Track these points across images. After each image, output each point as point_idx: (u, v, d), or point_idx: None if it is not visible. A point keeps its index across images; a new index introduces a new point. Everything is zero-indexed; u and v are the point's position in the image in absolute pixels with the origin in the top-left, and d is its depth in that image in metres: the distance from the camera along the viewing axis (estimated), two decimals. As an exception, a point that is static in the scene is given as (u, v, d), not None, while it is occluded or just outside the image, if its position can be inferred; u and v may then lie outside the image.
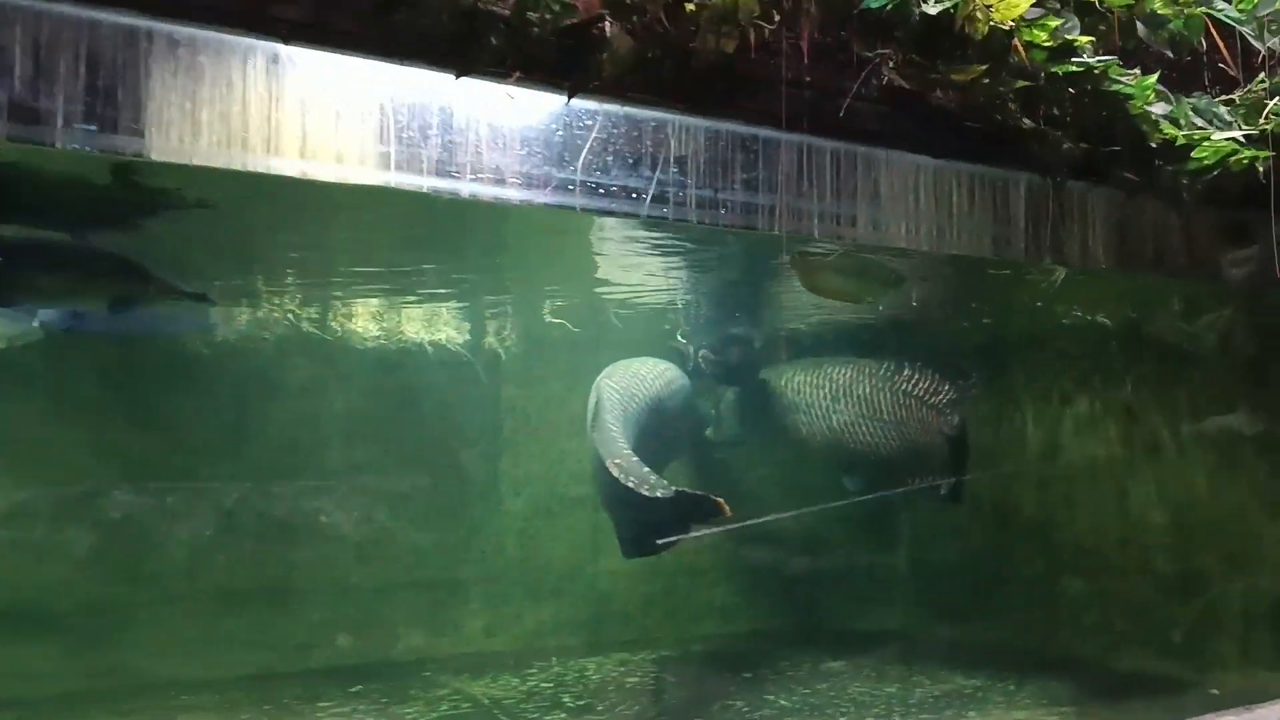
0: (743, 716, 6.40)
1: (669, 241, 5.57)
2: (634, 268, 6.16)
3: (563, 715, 6.56)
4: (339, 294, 7.06)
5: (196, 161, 3.41)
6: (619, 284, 6.61)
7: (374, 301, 7.26)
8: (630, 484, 5.91)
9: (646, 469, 6.03)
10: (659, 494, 5.83)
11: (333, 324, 7.41)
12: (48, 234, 5.69)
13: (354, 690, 7.14)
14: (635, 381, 6.96)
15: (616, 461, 6.06)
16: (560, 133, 3.95)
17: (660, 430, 6.91)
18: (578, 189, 3.98)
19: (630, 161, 4.05)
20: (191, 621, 7.35)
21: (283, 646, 7.59)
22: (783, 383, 7.92)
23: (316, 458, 7.80)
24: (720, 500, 5.92)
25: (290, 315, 7.26)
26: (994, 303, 7.58)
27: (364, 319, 7.45)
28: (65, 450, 7.02)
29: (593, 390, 6.84)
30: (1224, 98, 5.16)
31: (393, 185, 3.70)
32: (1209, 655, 6.95)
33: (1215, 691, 6.34)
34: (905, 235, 4.82)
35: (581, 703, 6.84)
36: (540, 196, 3.94)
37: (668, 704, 6.83)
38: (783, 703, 6.69)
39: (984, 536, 8.57)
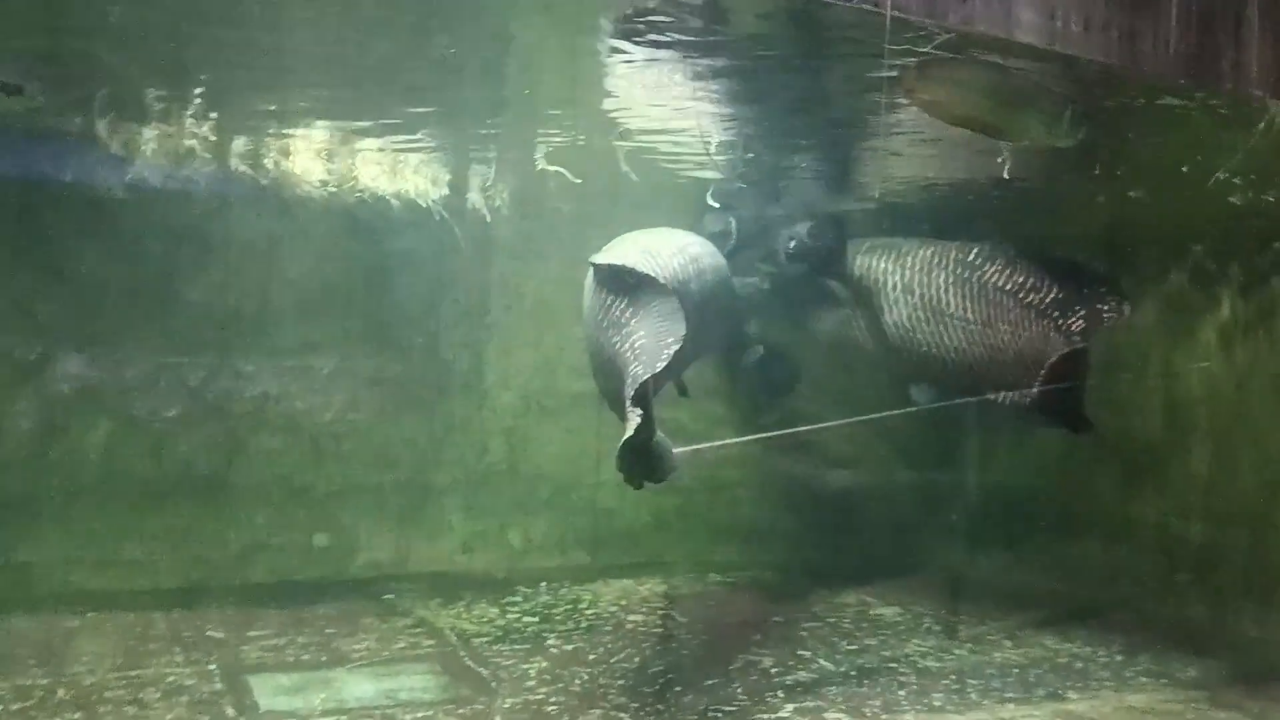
0: (771, 681, 5.07)
1: (707, 49, 4.01)
2: (658, 94, 4.61)
3: (543, 664, 5.25)
4: (274, 124, 5.53)
5: None
6: (638, 118, 5.01)
7: (319, 135, 5.71)
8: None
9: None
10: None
11: (269, 164, 5.89)
12: None
13: (296, 614, 5.89)
14: (646, 259, 5.19)
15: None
16: None
17: (691, 308, 5.22)
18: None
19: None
20: (107, 522, 6.09)
21: (216, 556, 6.37)
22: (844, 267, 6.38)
23: (262, 331, 6.41)
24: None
25: (212, 149, 5.74)
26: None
27: (307, 159, 5.91)
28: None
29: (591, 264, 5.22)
30: None
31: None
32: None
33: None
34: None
35: (569, 647, 5.53)
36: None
37: (675, 656, 5.49)
38: (823, 663, 5.35)
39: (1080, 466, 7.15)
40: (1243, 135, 4.88)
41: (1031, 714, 4.65)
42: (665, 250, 5.17)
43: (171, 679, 4.87)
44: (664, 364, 4.40)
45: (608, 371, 4.81)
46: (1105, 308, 5.54)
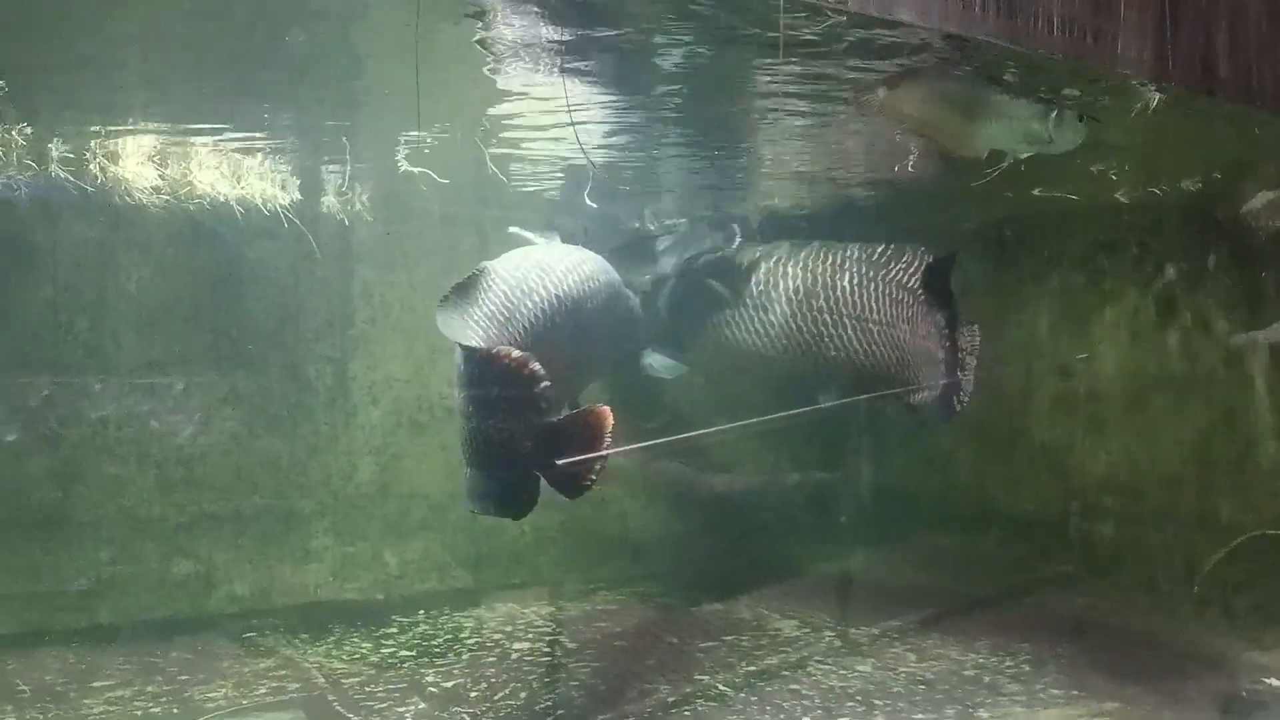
0: (669, 711, 4.76)
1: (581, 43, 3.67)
2: (532, 90, 4.23)
3: (421, 705, 4.84)
4: (101, 125, 4.95)
5: None
6: (512, 116, 4.62)
7: (151, 137, 5.14)
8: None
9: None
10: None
11: (96, 169, 5.30)
12: None
13: (146, 659, 5.35)
14: (534, 276, 4.77)
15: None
16: None
17: (572, 345, 4.84)
18: None
19: None
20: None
21: (54, 597, 5.73)
22: (735, 274, 6.14)
23: (100, 350, 5.82)
24: (599, 408, 4.11)
25: (29, 154, 5.12)
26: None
27: (139, 163, 5.34)
28: None
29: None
30: None
31: None
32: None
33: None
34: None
35: (450, 684, 5.12)
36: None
37: (565, 688, 5.13)
38: (722, 689, 5.06)
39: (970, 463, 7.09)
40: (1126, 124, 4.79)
41: (942, 736, 4.46)
42: (558, 268, 4.85)
43: (-5, 747, 4.33)
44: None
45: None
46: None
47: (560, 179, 5.87)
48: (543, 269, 4.78)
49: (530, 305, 4.57)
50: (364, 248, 6.35)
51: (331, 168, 5.69)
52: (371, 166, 5.61)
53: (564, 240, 5.56)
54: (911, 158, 5.04)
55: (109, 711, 4.76)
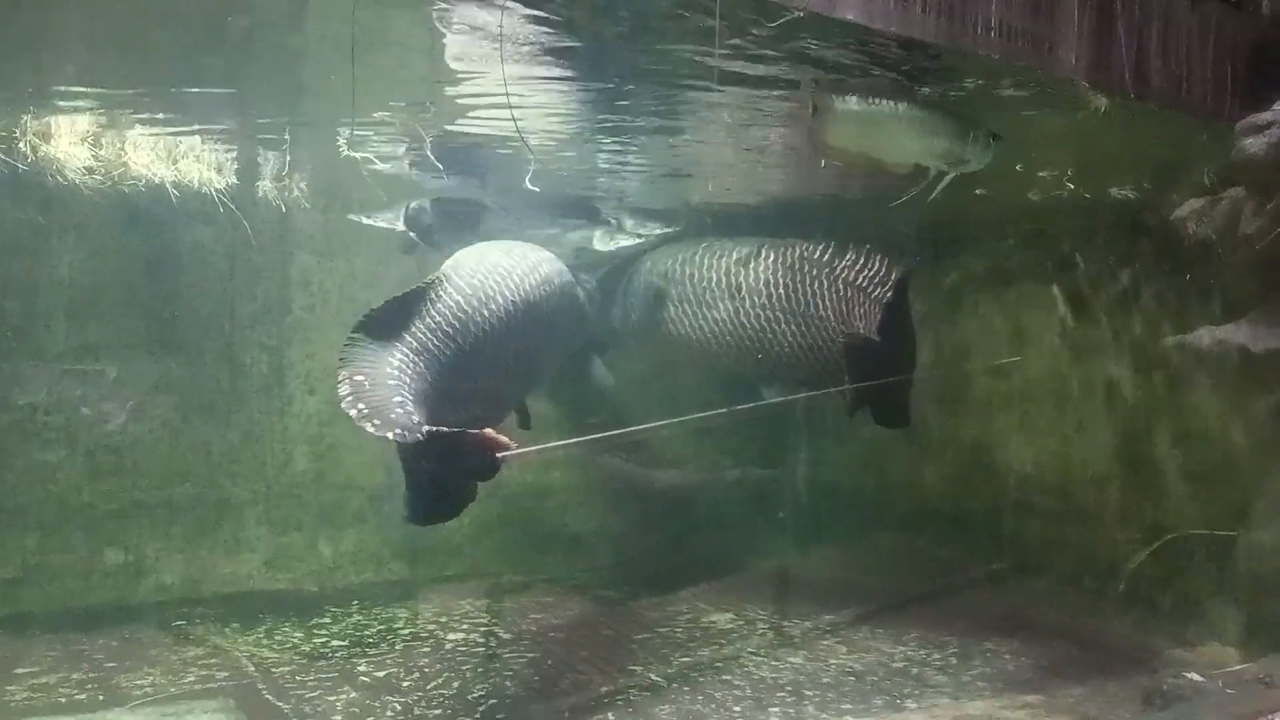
0: (600, 700, 4.77)
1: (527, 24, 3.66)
2: (475, 72, 4.21)
3: (352, 694, 4.81)
4: (30, 104, 4.83)
5: None
6: (464, 96, 4.56)
7: (83, 117, 5.03)
8: (367, 426, 3.77)
9: (397, 401, 3.91)
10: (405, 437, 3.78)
11: (26, 149, 5.17)
12: None
13: (72, 647, 5.26)
14: (492, 281, 4.66)
15: (348, 390, 3.91)
16: None
17: (526, 349, 4.79)
18: None
19: None
20: None
21: (-22, 585, 5.60)
22: (671, 269, 6.16)
23: (29, 335, 5.70)
24: (488, 433, 4.07)
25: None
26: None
27: (71, 143, 5.22)
28: None
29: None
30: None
31: None
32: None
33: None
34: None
35: (381, 673, 5.09)
36: None
37: (498, 678, 5.12)
38: (654, 678, 5.07)
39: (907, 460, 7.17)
40: (1066, 126, 4.88)
41: (868, 727, 4.52)
42: (517, 270, 4.83)
43: (-91, 736, 4.22)
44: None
45: None
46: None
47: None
48: (501, 273, 4.74)
49: (488, 313, 4.51)
50: (302, 234, 6.28)
51: (269, 152, 5.61)
52: (310, 152, 5.55)
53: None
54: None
55: (32, 699, 4.68)
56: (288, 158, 5.63)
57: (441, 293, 4.39)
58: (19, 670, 4.97)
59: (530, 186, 5.06)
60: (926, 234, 6.87)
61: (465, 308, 4.40)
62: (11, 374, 5.72)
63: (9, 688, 4.77)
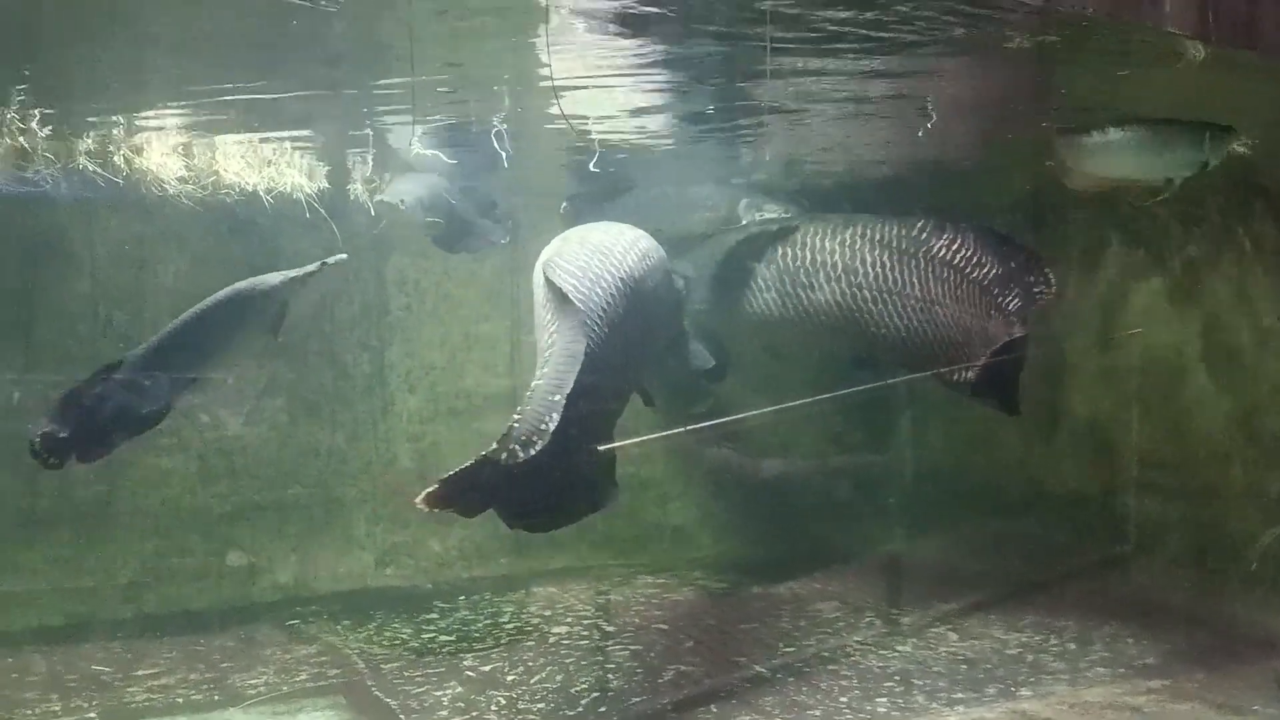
0: (704, 692, 4.71)
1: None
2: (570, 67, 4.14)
3: (458, 689, 4.85)
4: (123, 117, 4.97)
5: None
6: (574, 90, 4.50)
7: (175, 128, 5.16)
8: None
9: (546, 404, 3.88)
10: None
11: (122, 162, 5.32)
12: None
13: (190, 647, 5.43)
14: (597, 260, 4.58)
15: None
16: None
17: (634, 332, 4.81)
18: None
19: None
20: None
21: (102, 588, 5.85)
22: (769, 250, 6.04)
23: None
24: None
25: (55, 149, 5.16)
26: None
27: (166, 155, 5.36)
28: None
29: (537, 271, 4.68)
30: None
31: None
32: None
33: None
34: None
35: (487, 667, 5.13)
36: None
37: (601, 671, 5.11)
38: (759, 669, 5.00)
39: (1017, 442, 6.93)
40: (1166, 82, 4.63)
41: (983, 716, 4.36)
42: (617, 249, 4.71)
43: (42, 735, 4.40)
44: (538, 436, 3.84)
45: None
46: (1037, 286, 5.32)
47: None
48: (603, 252, 4.65)
49: (600, 293, 4.39)
50: (395, 235, 6.36)
51: (358, 155, 5.69)
52: (397, 153, 5.60)
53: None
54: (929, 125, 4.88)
55: (152, 700, 4.83)
56: (374, 159, 5.69)
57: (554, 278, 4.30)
58: (139, 672, 5.14)
59: (593, 169, 4.99)
60: (1028, 204, 6.63)
61: (580, 292, 4.30)
62: (123, 383, 5.92)
63: (130, 689, 4.94)
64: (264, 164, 5.63)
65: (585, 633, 5.69)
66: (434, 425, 6.60)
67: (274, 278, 5.08)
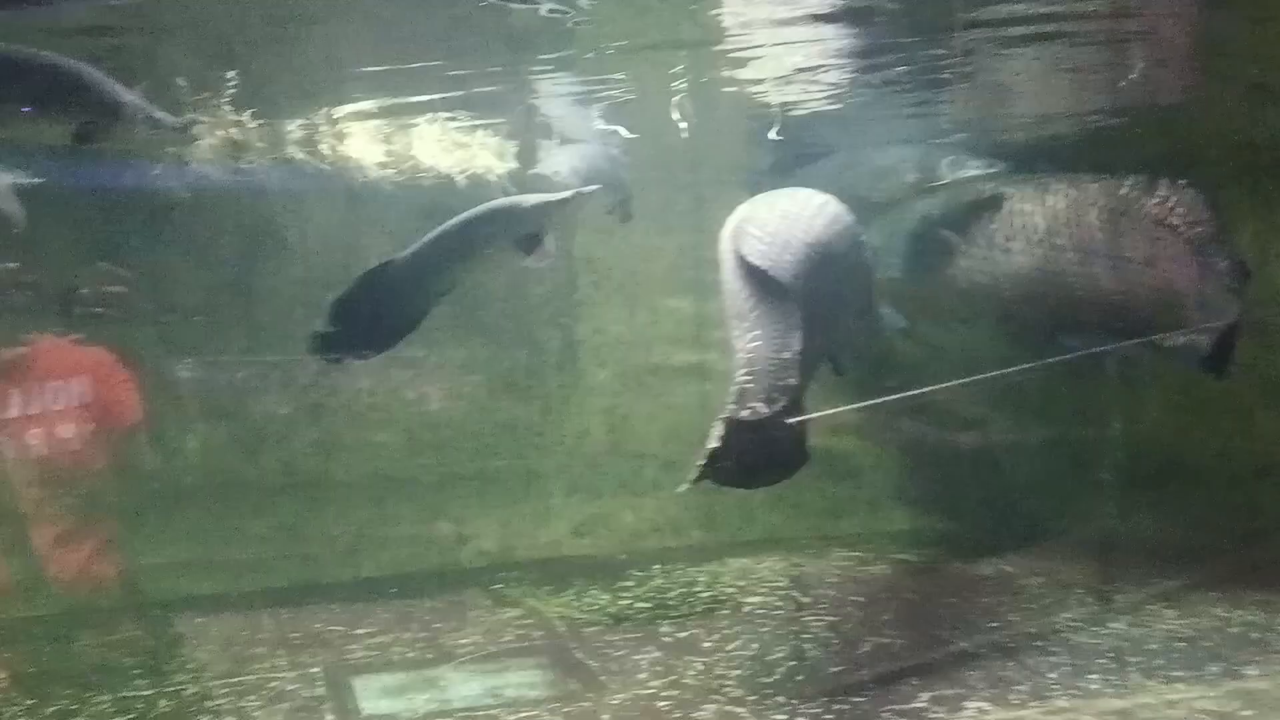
0: (904, 667, 4.63)
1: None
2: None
3: (656, 653, 4.94)
4: (325, 107, 5.24)
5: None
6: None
7: (374, 115, 5.41)
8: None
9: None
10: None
11: (326, 150, 5.62)
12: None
13: (404, 609, 5.73)
14: (786, 225, 4.49)
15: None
16: None
17: (825, 297, 4.53)
18: None
19: None
20: (211, 524, 6.01)
21: (323, 553, 6.26)
22: (963, 212, 5.83)
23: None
24: None
25: (266, 139, 5.50)
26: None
27: (365, 141, 5.62)
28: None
29: (724, 238, 4.77)
30: None
31: None
32: None
33: None
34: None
35: (682, 635, 5.19)
36: None
37: (797, 641, 5.09)
38: (962, 644, 4.86)
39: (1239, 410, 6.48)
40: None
41: (1204, 695, 4.11)
42: (805, 213, 4.61)
43: (274, 684, 4.72)
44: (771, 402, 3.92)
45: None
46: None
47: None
48: (791, 217, 4.56)
49: (789, 259, 4.34)
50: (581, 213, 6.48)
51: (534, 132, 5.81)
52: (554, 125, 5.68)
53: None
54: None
55: (370, 656, 5.11)
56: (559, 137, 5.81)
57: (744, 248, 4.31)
58: (358, 631, 5.44)
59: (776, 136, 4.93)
60: (1244, 155, 6.17)
61: (768, 258, 4.28)
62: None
63: (350, 646, 5.23)
64: (457, 146, 5.82)
65: (780, 603, 5.68)
66: (624, 398, 6.72)
67: (530, 199, 5.28)
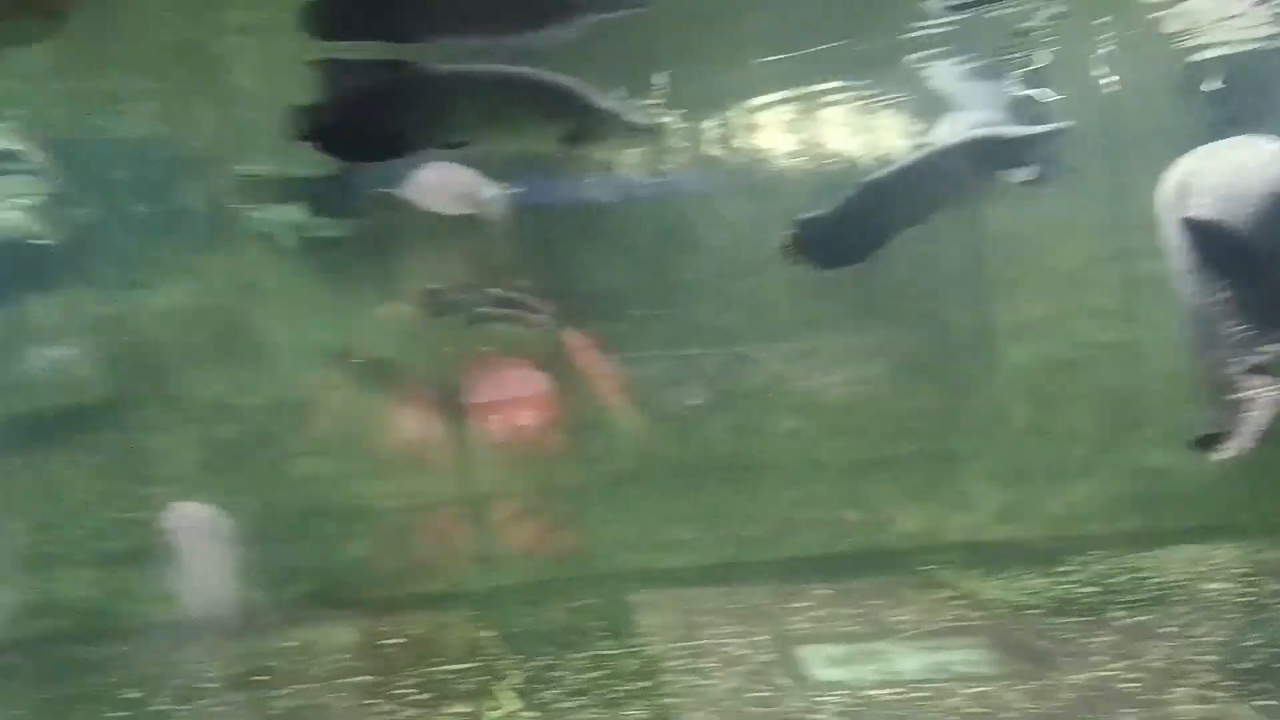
0: None
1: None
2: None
3: (1109, 637, 4.73)
4: (734, 100, 5.41)
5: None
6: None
7: (782, 105, 5.52)
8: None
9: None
10: None
11: (738, 144, 5.80)
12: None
13: (835, 586, 5.86)
14: (1236, 177, 4.24)
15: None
16: None
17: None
18: None
19: None
20: (649, 505, 6.43)
21: (751, 534, 6.51)
22: None
23: (761, 315, 6.45)
24: None
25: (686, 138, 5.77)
26: None
27: (774, 132, 5.73)
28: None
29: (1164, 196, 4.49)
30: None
31: None
32: None
33: None
34: None
35: (1141, 617, 4.94)
36: None
37: (1274, 629, 4.67)
38: None
39: None
40: None
41: None
42: (1256, 163, 4.30)
43: (727, 649, 5.00)
44: None
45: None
46: None
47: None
48: (1241, 169, 4.27)
49: (1243, 213, 4.11)
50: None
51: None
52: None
53: None
54: None
55: (810, 629, 5.27)
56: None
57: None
58: (794, 605, 5.63)
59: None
60: None
61: (1217, 210, 4.02)
62: (753, 351, 6.51)
63: (789, 620, 5.42)
64: (863, 129, 5.85)
65: (1244, 592, 5.25)
66: (1044, 378, 6.45)
67: (1012, 129, 5.29)
